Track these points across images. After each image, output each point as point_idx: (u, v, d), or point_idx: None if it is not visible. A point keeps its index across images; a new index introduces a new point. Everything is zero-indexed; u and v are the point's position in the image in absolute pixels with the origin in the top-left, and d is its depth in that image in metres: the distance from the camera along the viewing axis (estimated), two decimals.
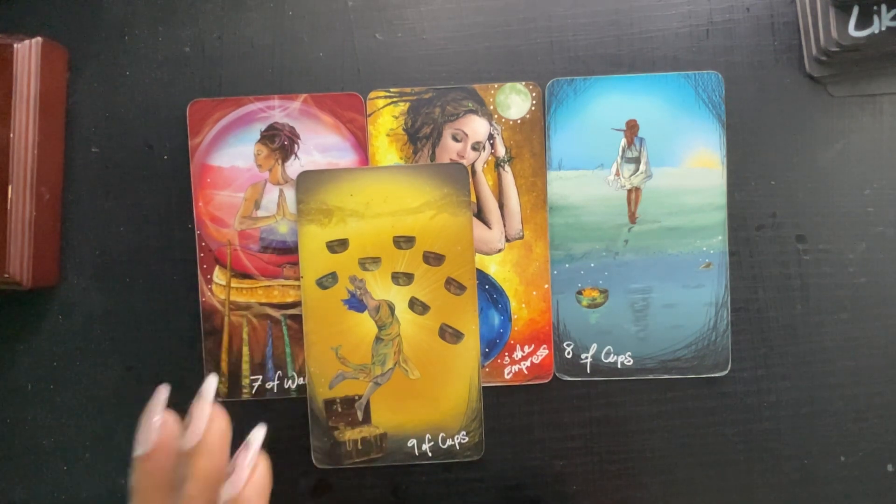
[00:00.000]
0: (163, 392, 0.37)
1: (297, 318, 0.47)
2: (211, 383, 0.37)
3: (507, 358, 0.47)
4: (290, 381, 0.48)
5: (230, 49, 0.48)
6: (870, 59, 0.45)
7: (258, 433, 0.36)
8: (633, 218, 0.47)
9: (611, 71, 0.47)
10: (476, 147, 0.47)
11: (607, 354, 0.47)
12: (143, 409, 0.47)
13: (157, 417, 0.36)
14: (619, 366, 0.47)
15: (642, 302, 0.47)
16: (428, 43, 0.48)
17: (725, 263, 0.47)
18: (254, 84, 0.48)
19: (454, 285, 0.47)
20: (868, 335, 0.48)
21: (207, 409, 0.36)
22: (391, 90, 0.47)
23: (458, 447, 0.47)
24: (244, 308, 0.47)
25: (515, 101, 0.47)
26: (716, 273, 0.47)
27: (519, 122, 0.47)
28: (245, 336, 0.47)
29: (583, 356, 0.47)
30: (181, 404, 0.48)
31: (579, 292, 0.47)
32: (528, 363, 0.47)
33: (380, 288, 0.47)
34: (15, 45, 0.44)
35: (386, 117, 0.47)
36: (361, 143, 0.47)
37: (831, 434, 0.48)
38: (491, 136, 0.47)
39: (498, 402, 0.48)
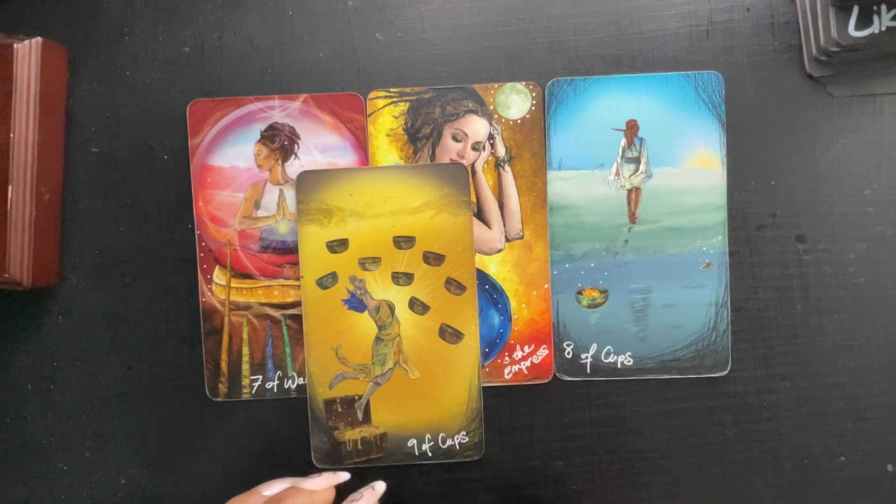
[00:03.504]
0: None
1: (297, 318, 0.47)
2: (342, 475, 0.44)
3: (507, 358, 0.47)
4: (290, 381, 0.47)
5: (230, 49, 0.48)
6: (870, 59, 0.45)
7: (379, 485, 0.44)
8: (633, 218, 0.47)
9: (611, 71, 0.47)
10: (476, 147, 0.47)
11: (607, 354, 0.47)
12: (143, 408, 0.48)
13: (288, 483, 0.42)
14: (619, 366, 0.47)
15: (642, 302, 0.47)
16: (428, 43, 0.48)
17: (725, 263, 0.47)
18: (254, 84, 0.48)
19: (454, 285, 0.47)
20: (868, 335, 0.48)
21: (333, 481, 0.43)
22: (391, 90, 0.47)
23: (458, 447, 0.47)
24: (244, 308, 0.47)
25: (515, 101, 0.47)
26: (716, 273, 0.47)
27: (519, 122, 0.47)
28: (245, 336, 0.47)
29: (583, 356, 0.47)
30: (181, 403, 0.48)
31: (579, 292, 0.47)
32: (528, 363, 0.47)
33: (380, 288, 0.47)
34: (15, 45, 0.44)
35: (386, 117, 0.47)
36: (361, 143, 0.47)
37: (831, 434, 0.48)
38: (491, 136, 0.47)
39: (498, 402, 0.48)
